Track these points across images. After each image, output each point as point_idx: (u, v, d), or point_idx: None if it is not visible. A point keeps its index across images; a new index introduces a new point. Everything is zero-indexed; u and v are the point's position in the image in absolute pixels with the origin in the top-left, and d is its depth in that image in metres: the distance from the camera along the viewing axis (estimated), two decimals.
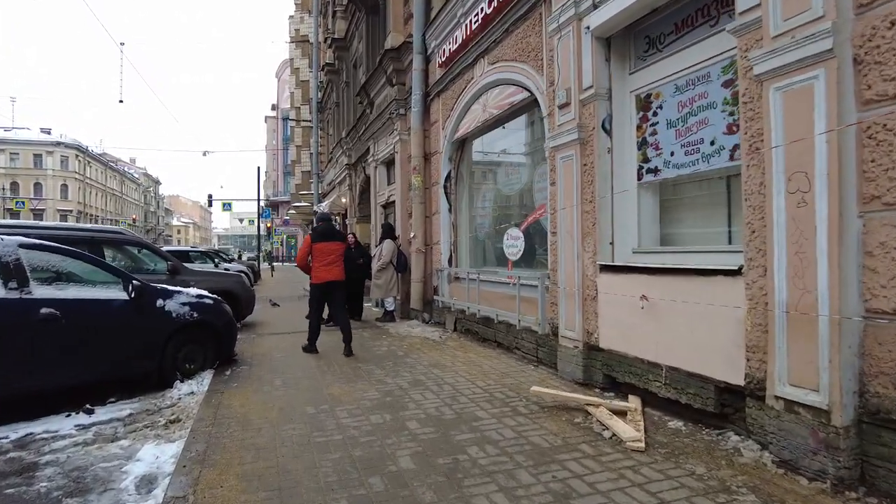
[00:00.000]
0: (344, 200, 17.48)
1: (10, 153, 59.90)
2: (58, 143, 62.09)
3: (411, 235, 9.40)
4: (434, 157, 9.22)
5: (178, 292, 5.75)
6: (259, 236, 28.74)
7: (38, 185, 61.56)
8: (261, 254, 27.73)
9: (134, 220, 77.69)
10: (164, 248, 17.31)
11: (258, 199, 26.86)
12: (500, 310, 6.67)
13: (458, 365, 5.93)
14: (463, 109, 8.11)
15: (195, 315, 5.71)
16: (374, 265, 9.67)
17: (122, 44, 30.79)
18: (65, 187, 63.19)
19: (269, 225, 44.36)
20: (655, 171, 4.54)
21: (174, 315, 5.55)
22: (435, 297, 8.96)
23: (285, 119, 63.07)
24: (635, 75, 4.74)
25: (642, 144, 4.66)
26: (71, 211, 63.10)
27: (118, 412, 4.70)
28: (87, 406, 4.72)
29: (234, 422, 4.08)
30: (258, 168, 26.23)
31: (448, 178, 8.90)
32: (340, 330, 6.75)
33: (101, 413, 4.69)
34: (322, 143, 23.90)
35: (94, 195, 69.26)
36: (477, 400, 4.52)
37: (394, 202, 10.82)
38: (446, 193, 8.91)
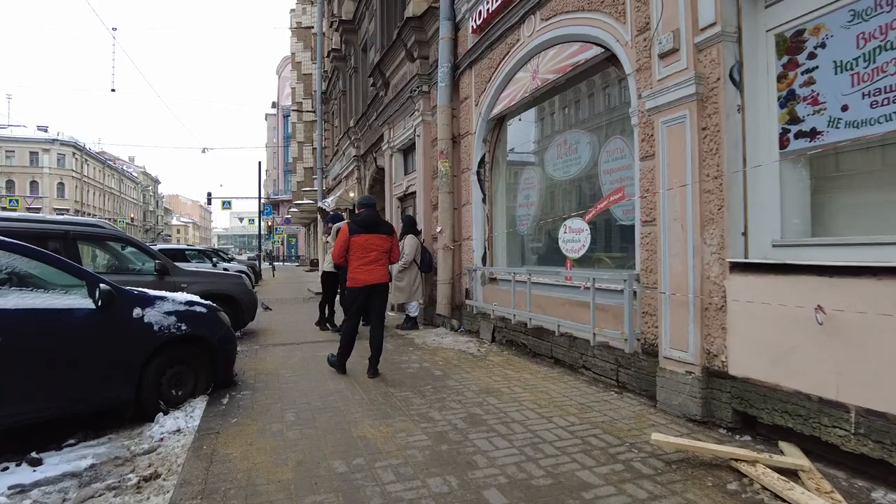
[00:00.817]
0: (352, 195, 16.24)
1: (6, 151, 58.77)
2: (54, 141, 60.91)
3: (437, 230, 8.17)
4: (464, 139, 7.98)
5: (162, 299, 4.51)
6: (260, 235, 27.50)
7: (34, 184, 60.51)
8: (261, 253, 26.48)
9: (132, 218, 76.44)
10: (159, 247, 16.10)
11: (259, 196, 25.59)
12: (562, 319, 5.43)
13: (516, 390, 4.69)
14: (504, 80, 6.88)
15: (184, 327, 4.47)
16: (395, 265, 8.44)
17: (114, 28, 29.42)
18: (61, 186, 62.11)
19: (269, 223, 43.18)
20: (813, 134, 3.29)
21: (157, 328, 4.31)
22: (466, 302, 7.72)
23: (286, 116, 62.13)
24: (773, 9, 3.50)
25: (788, 99, 3.42)
26: (68, 210, 61.87)
27: (76, 462, 3.45)
28: (33, 454, 3.48)
29: (232, 489, 2.84)
30: (259, 163, 25.01)
31: (482, 163, 7.66)
32: (369, 344, 5.48)
33: (53, 462, 3.45)
34: (326, 137, 22.68)
35: (91, 194, 68.09)
36: (569, 450, 3.27)
37: (414, 193, 9.58)
38: (479, 181, 7.68)
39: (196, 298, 4.91)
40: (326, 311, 8.67)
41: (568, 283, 5.68)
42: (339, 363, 5.53)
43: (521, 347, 6.34)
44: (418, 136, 9.02)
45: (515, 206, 7.36)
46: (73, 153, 63.03)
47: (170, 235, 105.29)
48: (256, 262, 24.79)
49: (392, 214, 11.02)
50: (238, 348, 6.80)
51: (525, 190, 7.13)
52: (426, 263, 8.47)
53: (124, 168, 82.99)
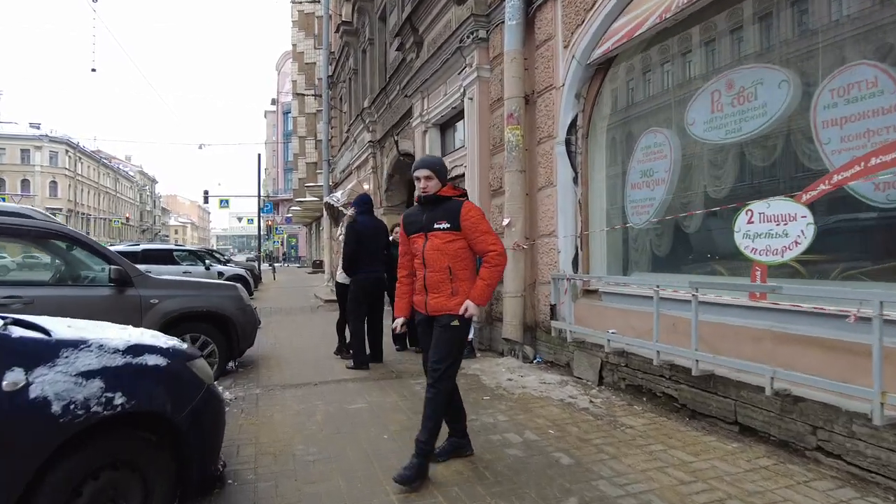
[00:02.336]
0: (366, 186, 14.05)
1: None
2: (44, 137, 58.78)
3: (504, 223, 5.98)
4: (543, 97, 5.81)
5: (77, 346, 2.32)
6: (259, 234, 25.27)
7: (25, 182, 58.50)
8: (261, 254, 24.28)
9: (127, 218, 74.25)
10: (142, 247, 13.90)
11: (258, 193, 23.39)
12: (784, 369, 3.22)
13: None
14: (618, 2, 4.72)
15: (119, 400, 2.28)
16: None
17: (94, 0, 27.13)
18: (54, 184, 60.14)
19: (269, 223, 41.04)
20: None
21: (59, 409, 2.13)
22: (553, 325, 5.52)
23: (286, 113, 60.10)
24: None
25: None
26: (60, 209, 59.77)
27: None
28: None
29: None
30: (258, 155, 22.86)
31: (573, 128, 5.49)
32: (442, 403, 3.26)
33: None
34: (333, 126, 20.49)
35: (85, 193, 65.98)
36: None
37: (461, 177, 7.39)
38: (569, 153, 5.50)
39: (147, 340, 2.71)
40: (347, 335, 6.51)
41: (768, 304, 3.50)
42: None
43: (659, 399, 4.16)
44: (470, 99, 6.83)
45: (625, 186, 5.19)
46: (66, 151, 60.96)
47: (167, 236, 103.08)
48: (255, 264, 22.58)
49: None
50: (228, 395, 4.64)
51: (645, 163, 4.95)
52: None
53: (120, 167, 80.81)
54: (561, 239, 5.54)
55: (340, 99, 19.62)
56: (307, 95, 25.22)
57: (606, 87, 5.34)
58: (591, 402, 4.36)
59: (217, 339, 5.49)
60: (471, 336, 6.29)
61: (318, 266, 33.94)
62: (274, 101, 69.21)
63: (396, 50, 10.29)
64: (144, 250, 13.02)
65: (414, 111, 9.17)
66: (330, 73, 20.15)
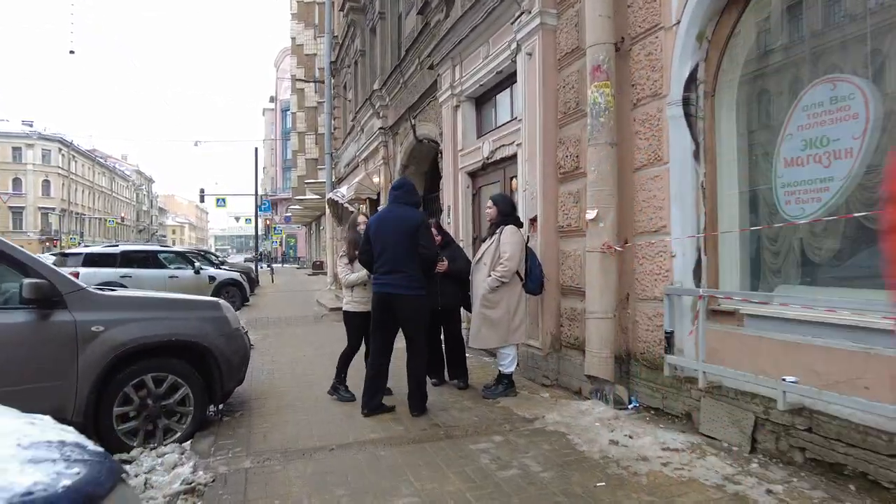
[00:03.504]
0: (376, 180, 12.44)
1: None
2: (36, 135, 57.15)
3: (588, 216, 4.35)
4: (643, 42, 4.20)
5: None
6: (256, 234, 23.61)
7: (17, 181, 56.89)
8: (258, 255, 22.61)
9: (123, 218, 72.50)
10: (121, 248, 12.25)
11: (255, 190, 21.75)
12: None
13: None
14: None
15: None
16: (480, 276, 4.64)
17: None
18: (47, 183, 58.55)
19: (267, 222, 39.48)
20: None
21: None
22: (669, 359, 3.89)
23: (285, 110, 58.53)
24: None
25: None
26: (53, 209, 58.41)
27: None
28: None
29: None
30: (255, 150, 21.28)
31: (692, 83, 3.88)
32: None
33: None
34: (336, 116, 18.88)
35: (79, 192, 64.38)
36: None
37: (512, 157, 5.78)
38: (687, 118, 3.89)
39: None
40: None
41: None
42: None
43: (887, 492, 2.57)
44: (528, 55, 5.21)
45: (774, 162, 3.59)
46: (60, 149, 59.38)
47: (164, 236, 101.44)
48: (253, 267, 20.94)
49: (460, 197, 7.17)
50: (203, 476, 3.02)
51: (813, 127, 3.35)
52: (535, 278, 4.68)
53: (116, 166, 79.16)
54: (676, 237, 3.93)
55: (344, 87, 18.01)
56: (307, 82, 23.59)
57: (747, 21, 3.73)
58: (767, 491, 2.77)
59: (191, 380, 3.89)
60: (512, 369, 4.71)
61: (318, 267, 32.29)
62: (272, 99, 67.58)
63: (418, 13, 8.68)
64: (124, 252, 11.39)
65: (441, 84, 7.56)
66: (333, 60, 18.55)
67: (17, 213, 56.39)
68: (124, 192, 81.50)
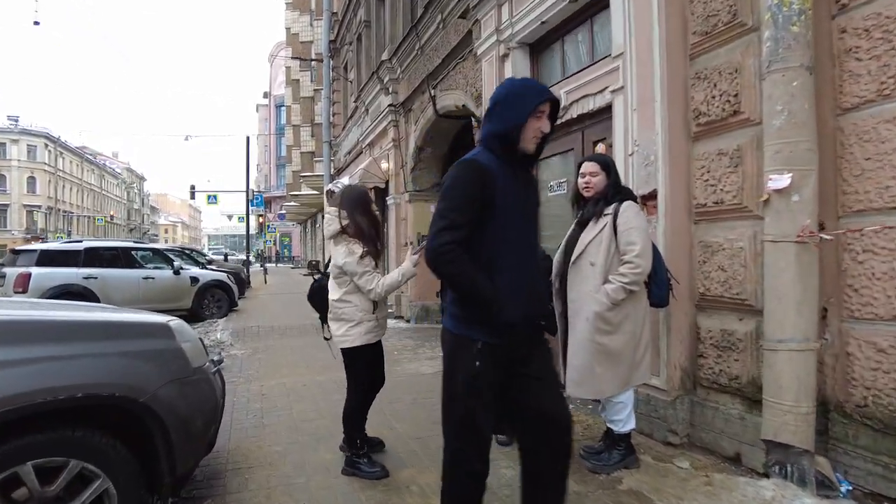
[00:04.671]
0: (385, 166, 10.76)
1: None
2: (17, 127, 55.23)
3: (774, 184, 2.68)
4: None
5: None
6: (248, 231, 21.84)
7: (1, 178, 54.92)
8: (249, 254, 20.84)
9: (112, 216, 70.34)
10: (85, 244, 10.42)
11: (247, 181, 19.99)
12: None
13: None
14: None
15: None
16: (587, 285, 2.93)
17: None
18: (32, 180, 56.72)
19: (261, 220, 37.75)
20: None
21: None
22: None
23: (279, 106, 56.85)
24: None
25: None
26: (39, 206, 56.52)
27: None
28: None
29: None
30: (247, 138, 19.50)
31: None
32: None
33: None
34: (336, 101, 17.18)
35: (67, 189, 62.44)
36: None
37: (600, 112, 4.10)
38: None
39: None
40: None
41: None
42: None
43: None
44: None
45: None
46: (46, 145, 57.43)
47: (157, 235, 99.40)
48: (245, 267, 19.21)
49: None
50: None
51: None
52: (663, 283, 3.01)
53: (106, 163, 77.13)
54: None
55: (345, 67, 16.32)
56: (304, 60, 21.86)
57: None
58: None
59: (114, 464, 2.22)
60: (632, 423, 3.04)
61: (314, 267, 30.44)
62: (266, 95, 65.76)
63: None
64: (89, 249, 9.64)
65: (480, 32, 5.88)
66: (332, 38, 16.85)
67: (1, 210, 54.57)
68: (114, 190, 79.46)
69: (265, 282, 21.90)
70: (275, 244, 56.36)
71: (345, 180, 13.57)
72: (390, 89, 10.28)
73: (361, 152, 13.39)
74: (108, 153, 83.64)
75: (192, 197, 35.01)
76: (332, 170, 17.02)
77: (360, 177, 10.87)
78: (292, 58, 25.53)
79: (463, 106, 7.26)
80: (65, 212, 61.17)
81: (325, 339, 3.24)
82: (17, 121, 57.31)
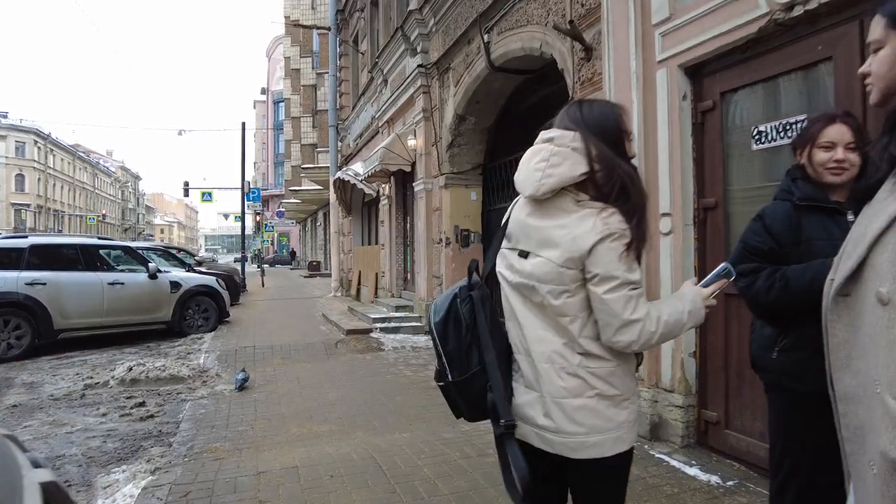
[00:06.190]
0: (412, 143, 8.66)
1: None
2: (10, 127, 53.16)
3: None
4: None
5: None
6: (244, 230, 19.74)
7: None
8: (244, 254, 18.75)
9: (104, 215, 68.03)
10: (30, 240, 8.08)
11: (242, 169, 17.91)
12: None
13: None
14: None
15: None
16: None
17: None
18: (20, 177, 54.60)
19: (258, 218, 35.60)
20: None
21: None
22: None
23: (277, 102, 54.87)
24: None
25: None
26: (28, 205, 54.34)
27: None
28: None
29: None
30: (243, 123, 17.40)
31: None
32: None
33: None
34: (343, 78, 15.09)
35: (58, 188, 60.31)
36: None
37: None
38: None
39: None
40: None
41: None
42: None
43: None
44: None
45: None
46: (35, 141, 55.26)
47: (152, 235, 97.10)
48: (239, 268, 17.09)
49: (659, 125, 3.39)
50: None
51: None
52: None
53: (99, 162, 74.90)
54: None
55: (355, 39, 14.21)
56: (308, 28, 19.78)
57: None
58: None
59: None
60: None
61: (314, 268, 28.39)
62: (264, 91, 63.80)
63: None
64: (35, 247, 7.49)
65: None
66: (340, 8, 14.79)
67: None
68: (108, 189, 77.27)
69: (262, 285, 19.82)
70: (273, 244, 54.41)
71: (357, 167, 11.49)
72: (419, 48, 8.20)
73: (377, 132, 11.28)
74: (102, 151, 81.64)
75: (186, 194, 32.79)
76: (340, 158, 14.96)
77: (380, 157, 8.77)
78: (295, 24, 23.17)
79: (540, 49, 5.17)
80: (55, 210, 59.06)
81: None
82: (5, 116, 55.21)
